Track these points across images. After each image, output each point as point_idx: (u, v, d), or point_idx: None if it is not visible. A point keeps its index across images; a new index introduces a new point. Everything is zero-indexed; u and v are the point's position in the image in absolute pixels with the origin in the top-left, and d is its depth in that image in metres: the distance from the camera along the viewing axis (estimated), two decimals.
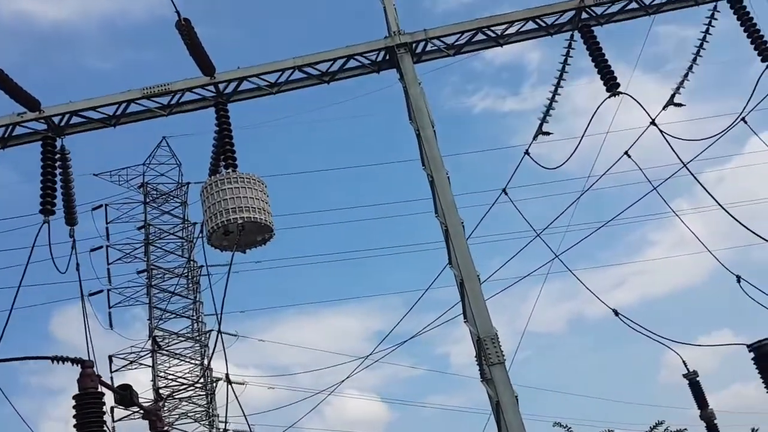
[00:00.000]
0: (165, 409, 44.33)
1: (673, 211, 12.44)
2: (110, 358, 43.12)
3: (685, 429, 14.62)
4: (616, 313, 12.80)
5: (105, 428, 6.04)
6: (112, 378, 43.58)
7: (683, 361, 12.41)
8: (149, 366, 45.61)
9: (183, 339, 46.75)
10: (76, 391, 6.08)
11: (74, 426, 5.92)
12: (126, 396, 7.05)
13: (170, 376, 45.07)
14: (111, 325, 45.88)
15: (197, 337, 47.71)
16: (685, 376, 12.41)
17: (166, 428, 7.53)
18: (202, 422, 43.82)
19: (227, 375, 14.51)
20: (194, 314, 47.31)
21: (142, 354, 45.17)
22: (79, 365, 6.21)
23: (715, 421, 11.91)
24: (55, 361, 6.29)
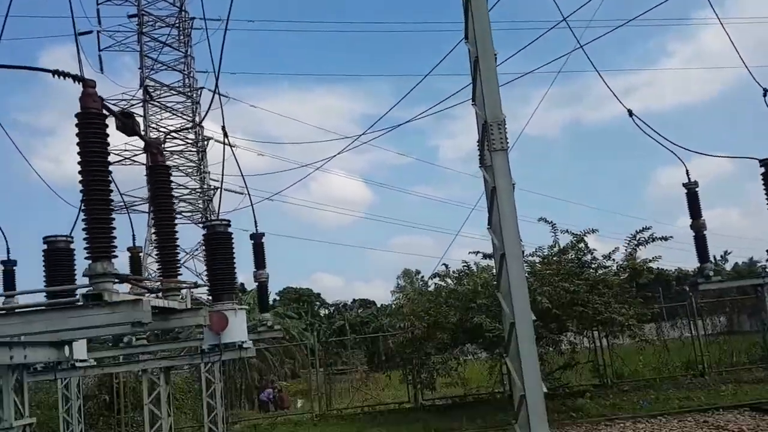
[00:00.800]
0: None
1: (716, 15, 11.37)
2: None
3: (671, 236, 15.06)
4: (631, 113, 12.40)
5: (107, 150, 5.88)
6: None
7: (686, 170, 12.23)
8: (141, 116, 45.26)
9: (175, 93, 45.82)
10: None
11: (77, 144, 5.73)
12: (128, 124, 6.78)
13: (162, 129, 45.15)
14: (102, 69, 44.59)
15: (189, 93, 46.83)
16: (685, 185, 12.29)
17: (166, 163, 7.36)
18: (193, 177, 44.83)
19: (223, 127, 14.36)
20: (186, 68, 46.04)
21: (133, 103, 44.50)
22: (81, 83, 5.87)
23: (705, 232, 12.17)
24: (56, 75, 5.91)
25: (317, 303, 53.02)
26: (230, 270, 10.68)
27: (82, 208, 5.75)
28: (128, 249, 11.11)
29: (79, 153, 5.76)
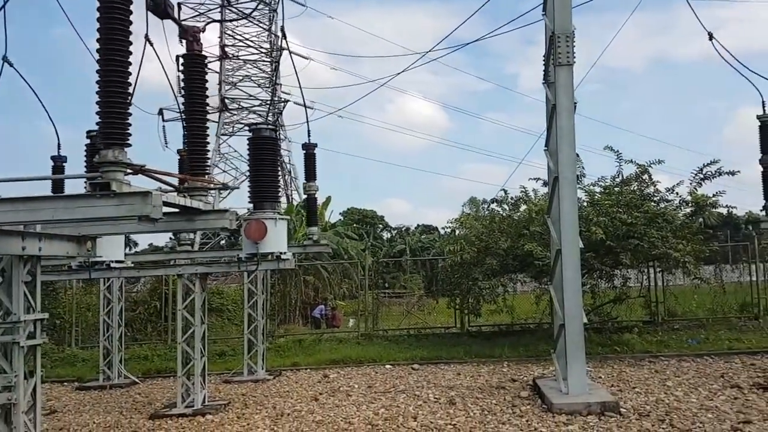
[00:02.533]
0: (230, 69, 44.75)
1: None
2: (179, 5, 42.33)
3: (738, 171, 13.87)
4: (711, 36, 11.29)
5: (129, 33, 5.42)
6: (181, 27, 43.40)
7: (762, 100, 11.40)
8: (217, 21, 44.57)
9: None
10: None
11: (98, 30, 5.28)
12: (160, 4, 6.29)
13: (237, 36, 44.54)
14: None
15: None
16: (759, 117, 11.54)
17: (203, 53, 6.87)
18: (265, 88, 44.41)
19: (282, 28, 13.89)
20: None
21: (211, 7, 43.64)
22: None
23: None
24: None
25: (380, 225, 53.14)
26: (274, 177, 10.40)
27: (97, 90, 5.39)
28: (178, 151, 10.87)
29: (98, 39, 5.32)
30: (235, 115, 43.93)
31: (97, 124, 5.33)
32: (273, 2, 43.33)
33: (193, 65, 6.80)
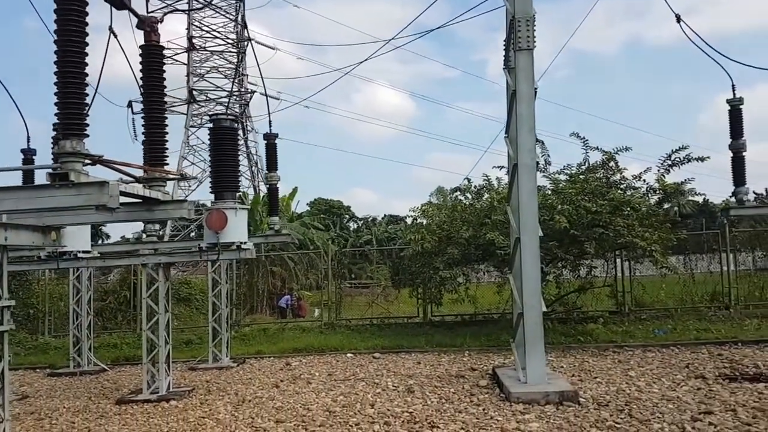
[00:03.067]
0: (197, 61, 44.63)
1: None
2: None
3: (708, 157, 14.06)
4: (679, 19, 11.44)
5: (85, 24, 5.57)
6: (139, 18, 42.96)
7: (732, 84, 11.38)
8: (185, 11, 44.36)
9: None
10: None
11: (54, 21, 5.43)
12: None
13: (204, 27, 44.49)
14: None
15: None
16: (729, 101, 11.47)
17: (161, 44, 7.01)
18: (231, 79, 44.43)
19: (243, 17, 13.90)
20: None
21: None
22: None
23: (744, 153, 11.36)
24: None
25: (347, 216, 53.41)
26: (234, 167, 10.61)
27: (55, 81, 5.54)
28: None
29: (55, 31, 5.49)
30: (203, 106, 43.85)
31: (55, 115, 5.49)
32: None
33: (150, 56, 6.96)
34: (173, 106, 44.23)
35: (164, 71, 7.12)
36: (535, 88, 9.57)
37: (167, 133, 7.27)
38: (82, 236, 11.21)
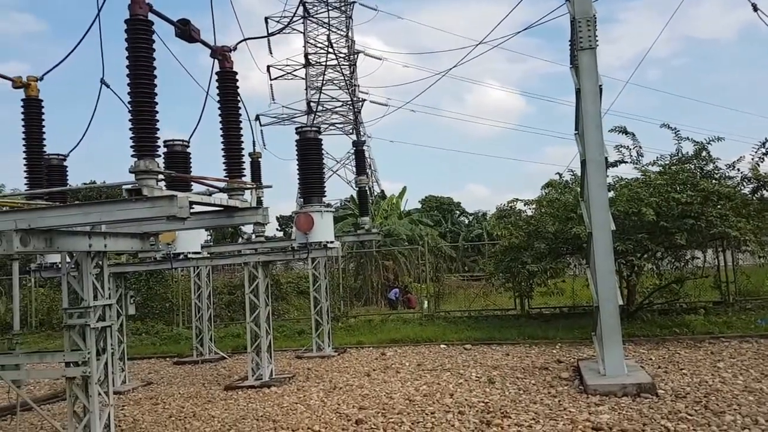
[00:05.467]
0: (312, 75, 46.55)
1: None
2: (266, 19, 44.51)
3: None
4: (755, 8, 10.57)
5: (153, 55, 5.99)
6: (269, 40, 45.11)
7: None
8: (300, 32, 46.52)
9: (330, 8, 46.51)
10: None
11: (126, 49, 5.90)
12: (186, 31, 6.85)
13: (318, 44, 46.27)
14: None
15: (342, 8, 47.19)
16: None
17: (233, 69, 7.37)
18: (344, 90, 45.84)
19: (328, 36, 14.26)
20: None
21: (294, 20, 45.98)
22: None
23: None
24: None
25: (458, 211, 52.98)
26: (319, 174, 10.90)
27: (129, 109, 5.99)
28: (249, 155, 11.70)
29: (127, 57, 5.96)
30: (320, 116, 45.66)
31: (131, 138, 5.94)
32: (348, 10, 44.64)
33: (225, 81, 7.33)
34: (294, 117, 46.21)
35: (238, 93, 7.48)
36: (600, 86, 9.12)
37: (243, 149, 7.66)
38: (193, 239, 12.02)
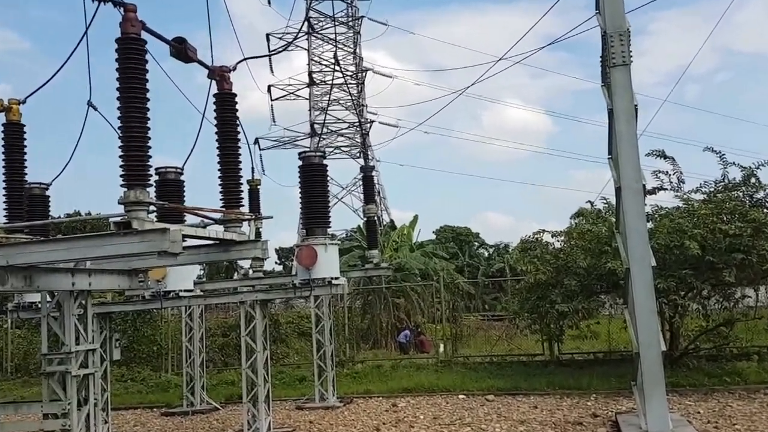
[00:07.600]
0: (317, 95, 47.13)
1: None
2: (267, 36, 45.36)
3: None
4: None
5: (146, 76, 6.10)
6: (270, 58, 45.93)
7: None
8: (305, 49, 47.30)
9: (337, 24, 47.30)
10: None
11: (116, 69, 6.01)
12: (182, 50, 6.99)
13: (323, 62, 46.92)
14: (269, 2, 47.04)
15: (350, 23, 48.02)
16: None
17: (233, 91, 7.50)
18: (351, 111, 46.33)
19: (335, 54, 14.46)
20: None
21: (298, 36, 46.92)
22: (121, 8, 6.11)
23: None
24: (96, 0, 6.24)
25: (476, 243, 52.75)
26: (324, 203, 10.94)
27: (119, 135, 6.08)
28: (247, 182, 11.83)
29: (118, 78, 6.07)
30: (325, 138, 46.04)
31: (120, 166, 6.01)
32: (356, 25, 45.37)
33: (223, 103, 7.45)
34: (297, 140, 46.61)
35: (237, 117, 7.58)
36: (635, 106, 9.17)
37: (241, 176, 7.73)
38: (185, 276, 12.01)
